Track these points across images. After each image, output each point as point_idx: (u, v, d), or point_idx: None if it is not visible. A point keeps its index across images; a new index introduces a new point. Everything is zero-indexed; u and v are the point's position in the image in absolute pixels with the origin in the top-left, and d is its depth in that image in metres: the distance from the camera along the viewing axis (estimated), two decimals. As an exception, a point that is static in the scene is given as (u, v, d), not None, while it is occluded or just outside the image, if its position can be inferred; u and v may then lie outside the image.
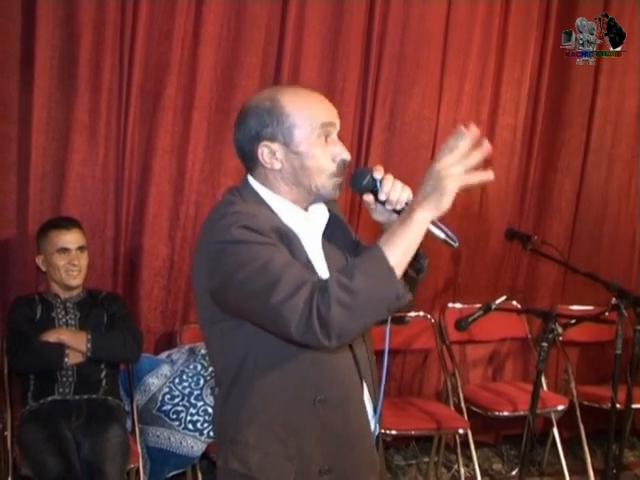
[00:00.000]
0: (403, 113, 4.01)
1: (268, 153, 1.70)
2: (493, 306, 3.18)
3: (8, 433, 3.11)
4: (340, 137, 1.76)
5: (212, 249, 1.62)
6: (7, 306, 3.21)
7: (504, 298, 3.26)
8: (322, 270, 1.74)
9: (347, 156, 1.73)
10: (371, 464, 1.79)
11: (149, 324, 3.61)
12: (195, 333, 3.46)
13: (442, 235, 1.68)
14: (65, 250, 3.16)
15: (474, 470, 3.81)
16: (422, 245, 1.79)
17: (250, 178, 1.76)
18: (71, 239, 3.18)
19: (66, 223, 3.21)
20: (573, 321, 3.31)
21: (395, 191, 1.68)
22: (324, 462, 1.70)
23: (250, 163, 1.75)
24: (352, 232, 1.94)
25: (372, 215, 1.78)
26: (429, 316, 4.10)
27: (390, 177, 1.70)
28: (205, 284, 1.65)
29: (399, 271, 1.52)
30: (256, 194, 1.74)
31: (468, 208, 4.23)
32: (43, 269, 3.23)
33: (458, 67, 4.08)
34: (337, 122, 1.75)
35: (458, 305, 4.19)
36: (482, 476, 3.87)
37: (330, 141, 1.72)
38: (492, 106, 4.22)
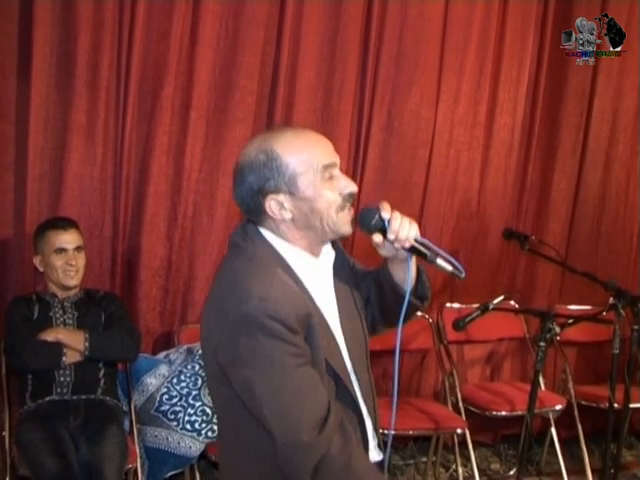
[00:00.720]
0: (401, 113, 4.01)
1: (276, 205, 1.67)
2: (491, 306, 3.19)
3: (6, 433, 3.10)
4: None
5: (229, 322, 1.60)
6: (5, 306, 3.20)
7: (502, 298, 3.27)
8: (335, 319, 1.76)
9: (354, 188, 1.71)
10: None
11: (147, 324, 3.61)
12: (193, 333, 3.45)
13: (449, 267, 1.72)
14: (62, 250, 3.16)
15: (472, 470, 3.82)
16: (426, 273, 1.81)
17: (263, 230, 1.72)
18: (68, 239, 3.18)
19: (63, 223, 3.21)
20: (571, 321, 3.32)
21: (403, 230, 1.69)
22: None
23: (257, 217, 1.71)
24: (349, 258, 1.93)
25: (379, 252, 1.77)
26: (427, 316, 4.10)
27: (398, 215, 1.70)
28: (214, 345, 1.65)
29: None
30: (269, 246, 1.70)
31: (466, 207, 4.23)
32: (40, 269, 3.23)
33: (456, 67, 4.09)
34: (337, 159, 1.72)
35: (456, 305, 4.19)
36: (480, 476, 3.87)
37: (334, 178, 1.70)
38: (490, 106, 4.22)
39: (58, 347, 3.03)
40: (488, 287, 4.27)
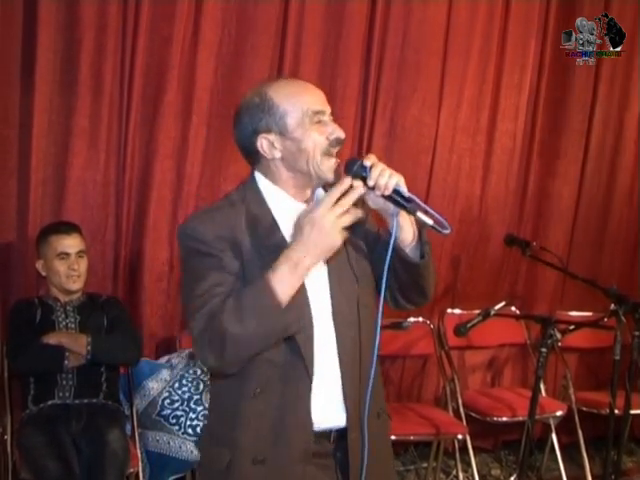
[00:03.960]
0: (403, 119, 4.01)
1: (267, 144, 1.78)
2: (492, 312, 3.19)
3: (8, 437, 3.11)
4: (336, 118, 1.81)
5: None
6: (7, 310, 3.21)
7: (503, 304, 3.27)
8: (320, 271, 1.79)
9: (341, 134, 1.79)
10: (305, 457, 1.78)
11: (150, 328, 3.61)
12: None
13: (430, 221, 1.72)
14: (65, 255, 3.17)
15: (473, 476, 3.82)
16: (423, 229, 1.80)
17: (256, 173, 1.84)
18: (71, 244, 3.18)
19: (66, 228, 3.21)
20: (572, 327, 3.33)
21: (383, 177, 1.73)
22: (258, 452, 1.74)
23: (253, 157, 1.83)
24: (370, 222, 1.93)
25: (368, 203, 1.81)
26: (428, 322, 4.11)
27: (380, 164, 1.75)
28: None
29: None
30: (258, 192, 1.82)
31: (467, 213, 4.23)
32: (43, 274, 3.23)
33: (458, 73, 4.09)
34: (327, 108, 1.81)
35: (457, 311, 4.19)
36: (480, 481, 3.88)
37: (323, 123, 1.79)
38: (492, 112, 4.23)
39: (60, 351, 3.03)
40: (489, 293, 4.27)
